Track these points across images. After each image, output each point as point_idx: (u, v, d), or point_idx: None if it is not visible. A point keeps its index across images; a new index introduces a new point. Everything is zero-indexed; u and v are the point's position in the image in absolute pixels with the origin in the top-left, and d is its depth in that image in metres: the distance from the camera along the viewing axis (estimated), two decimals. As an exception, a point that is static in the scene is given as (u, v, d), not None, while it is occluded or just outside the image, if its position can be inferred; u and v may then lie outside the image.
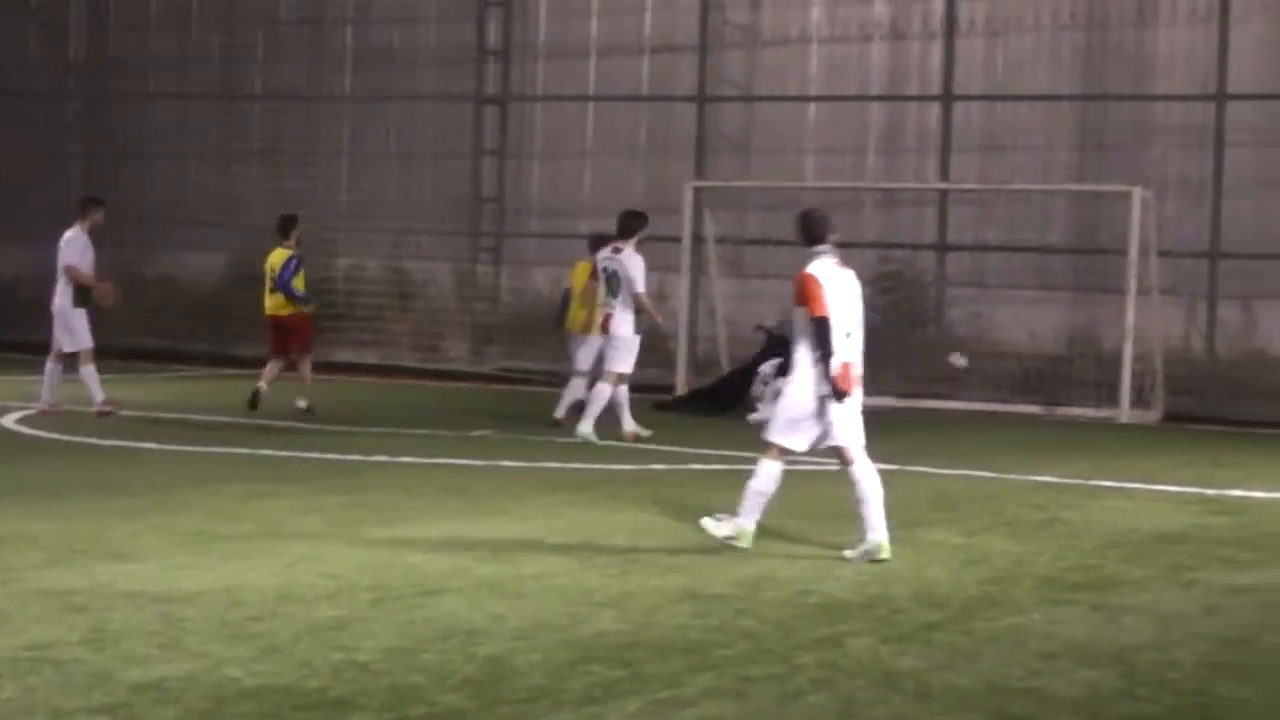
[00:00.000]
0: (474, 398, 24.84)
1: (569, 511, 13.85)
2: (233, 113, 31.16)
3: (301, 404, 20.94)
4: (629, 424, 19.38)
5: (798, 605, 10.33)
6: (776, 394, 13.29)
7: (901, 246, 26.45)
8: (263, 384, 20.81)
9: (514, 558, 11.55)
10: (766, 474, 12.04)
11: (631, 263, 19.04)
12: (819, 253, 12.16)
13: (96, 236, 20.30)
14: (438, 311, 29.51)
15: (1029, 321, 25.61)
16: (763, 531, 12.19)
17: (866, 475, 11.99)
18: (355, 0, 30.39)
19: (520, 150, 29.21)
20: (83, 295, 19.94)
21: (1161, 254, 24.06)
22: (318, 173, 30.00)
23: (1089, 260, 25.47)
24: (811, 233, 12.27)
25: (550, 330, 22.96)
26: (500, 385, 26.78)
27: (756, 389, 21.63)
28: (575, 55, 28.74)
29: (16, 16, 32.79)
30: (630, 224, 19.36)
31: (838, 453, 12.11)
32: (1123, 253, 23.69)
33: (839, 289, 12.06)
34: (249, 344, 26.67)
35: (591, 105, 28.71)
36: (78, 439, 17.86)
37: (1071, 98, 25.83)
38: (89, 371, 19.85)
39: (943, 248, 26.53)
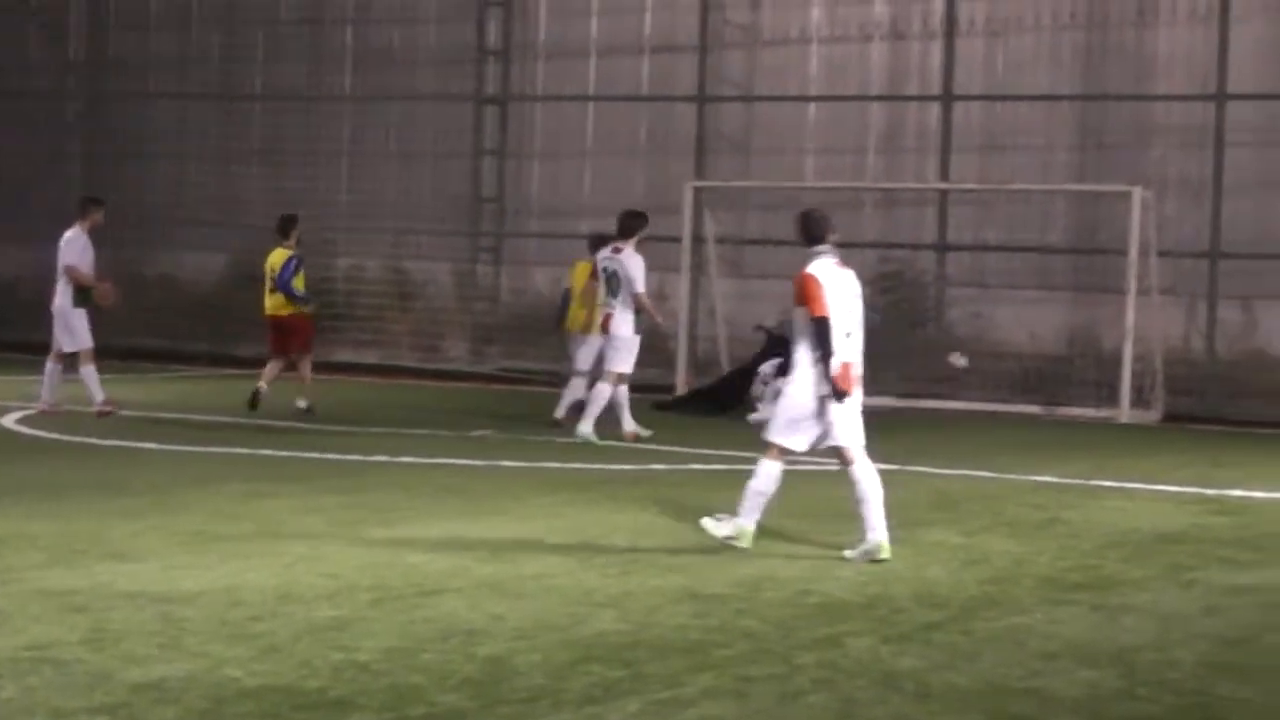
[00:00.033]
0: (474, 398, 24.83)
1: (569, 511, 13.84)
2: (233, 113, 31.15)
3: (301, 404, 20.94)
4: (629, 424, 19.38)
5: (798, 605, 10.32)
6: (776, 394, 13.29)
7: (901, 246, 26.44)
8: (263, 384, 20.81)
9: (514, 558, 11.54)
10: (766, 474, 12.03)
11: (631, 263, 19.03)
12: (819, 253, 12.16)
13: (96, 236, 20.29)
14: (438, 311, 29.50)
15: (1029, 321, 25.60)
16: (763, 531, 12.18)
17: (866, 475, 11.98)
18: (355, 0, 30.38)
19: (520, 150, 29.20)
20: (83, 295, 19.93)
21: (1161, 254, 24.06)
22: (318, 173, 29.99)
23: (1089, 260, 25.46)
24: (811, 233, 12.27)
25: (550, 330, 22.95)
26: (500, 385, 26.76)
27: (756, 389, 21.62)
28: (575, 55, 28.73)
29: (16, 16, 32.77)
30: (630, 224, 19.35)
31: (838, 453, 12.11)
32: (1123, 253, 23.68)
33: (839, 289, 12.05)
34: (249, 344, 26.67)
35: (591, 105, 28.69)
36: (78, 439, 17.86)
37: (1071, 98, 25.82)
38: (89, 371, 19.84)
39: (943, 248, 26.52)
